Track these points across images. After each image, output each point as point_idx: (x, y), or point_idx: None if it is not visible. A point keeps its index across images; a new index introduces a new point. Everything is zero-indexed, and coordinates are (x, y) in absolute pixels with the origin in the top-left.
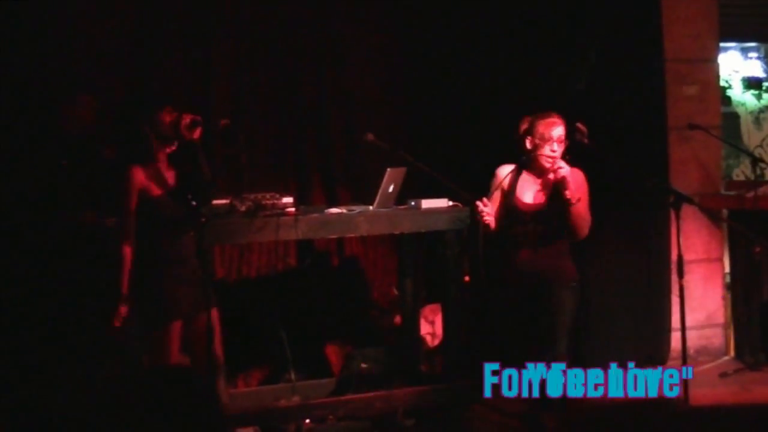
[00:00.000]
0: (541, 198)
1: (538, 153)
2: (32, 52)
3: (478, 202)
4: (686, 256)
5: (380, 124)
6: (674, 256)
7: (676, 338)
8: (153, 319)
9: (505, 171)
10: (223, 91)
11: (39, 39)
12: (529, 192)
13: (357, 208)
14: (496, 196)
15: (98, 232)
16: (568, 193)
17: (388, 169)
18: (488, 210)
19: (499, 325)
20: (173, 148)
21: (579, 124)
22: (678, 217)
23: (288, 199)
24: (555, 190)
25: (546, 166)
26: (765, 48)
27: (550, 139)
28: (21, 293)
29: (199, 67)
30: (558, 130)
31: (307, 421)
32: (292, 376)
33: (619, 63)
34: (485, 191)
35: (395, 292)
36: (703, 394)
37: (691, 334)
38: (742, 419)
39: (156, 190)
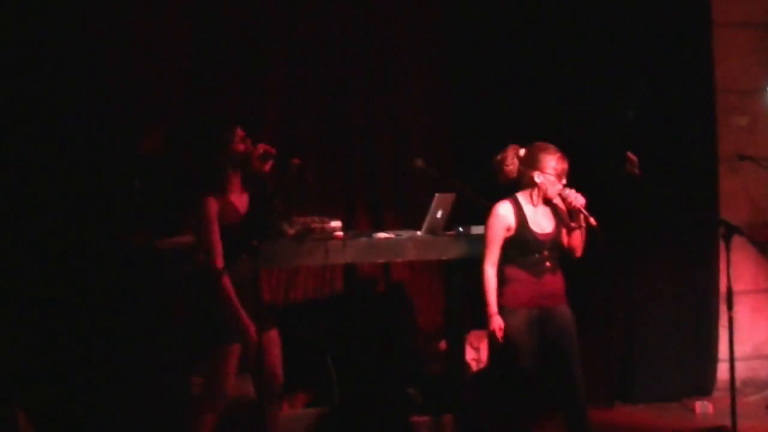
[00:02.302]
0: (551, 226)
1: (550, 186)
2: (92, 80)
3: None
4: (734, 287)
5: (429, 149)
6: (722, 287)
7: (721, 369)
8: (211, 341)
9: (506, 208)
10: (275, 116)
11: (98, 68)
12: (539, 222)
13: (405, 234)
14: (501, 234)
15: (148, 254)
16: (591, 219)
17: (437, 195)
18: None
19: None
20: (246, 171)
21: (630, 154)
22: (728, 249)
23: (336, 223)
24: (559, 216)
25: (553, 196)
26: None
27: (563, 173)
28: (67, 316)
29: (251, 94)
30: (566, 163)
31: None
32: (337, 400)
33: (669, 93)
34: None
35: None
36: (750, 427)
37: (737, 366)
38: None
39: (226, 219)
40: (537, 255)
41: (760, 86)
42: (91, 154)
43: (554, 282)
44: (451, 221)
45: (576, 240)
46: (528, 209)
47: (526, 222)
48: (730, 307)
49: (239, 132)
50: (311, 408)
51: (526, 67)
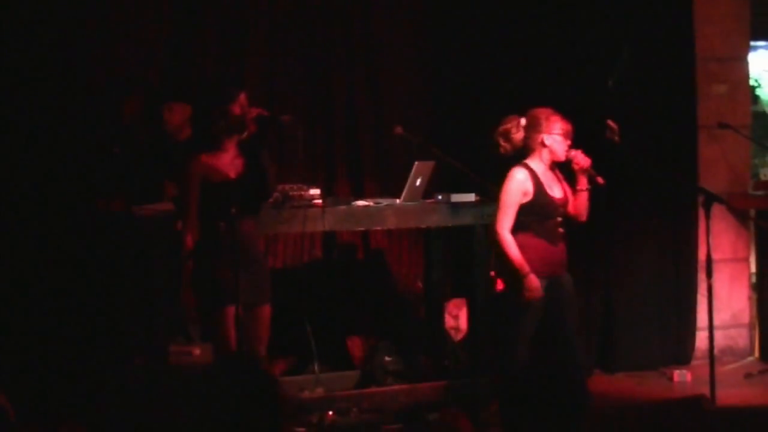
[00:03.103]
0: (560, 191)
1: (559, 147)
2: (67, 43)
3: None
4: (713, 256)
5: (411, 117)
6: (702, 256)
7: (700, 338)
8: (208, 303)
9: (523, 173)
10: (255, 81)
11: (77, 31)
12: (552, 187)
13: (384, 201)
14: (518, 199)
15: (125, 221)
16: (599, 179)
17: (416, 163)
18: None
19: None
20: (243, 136)
21: (610, 122)
22: (708, 217)
23: (315, 191)
24: (564, 180)
25: (562, 157)
26: None
27: (568, 133)
28: (45, 282)
29: (233, 57)
30: (569, 123)
31: (330, 412)
32: (316, 368)
33: (649, 61)
34: None
35: (420, 285)
36: (729, 395)
37: (716, 334)
38: None
39: (216, 178)
40: (552, 220)
41: (741, 54)
42: (72, 119)
43: (564, 249)
44: (430, 189)
45: (582, 203)
46: (541, 174)
47: (543, 186)
48: (709, 275)
49: (242, 96)
50: (290, 376)
51: (507, 35)
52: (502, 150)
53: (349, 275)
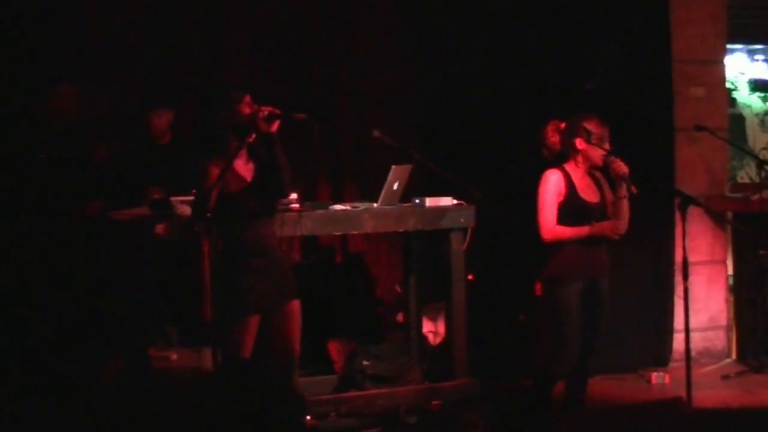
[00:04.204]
0: (597, 196)
1: (592, 152)
2: (43, 42)
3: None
4: (690, 258)
5: (390, 121)
6: (679, 258)
7: (678, 340)
8: (231, 312)
9: (555, 174)
10: (236, 84)
11: (50, 28)
12: (587, 191)
13: (362, 205)
14: (555, 199)
15: (102, 225)
16: (633, 188)
17: (393, 167)
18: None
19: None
20: (251, 139)
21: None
22: (684, 220)
23: (292, 195)
24: (603, 188)
25: (598, 162)
26: None
27: (603, 137)
28: (23, 288)
29: (211, 61)
30: (605, 128)
31: (309, 417)
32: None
33: (627, 63)
34: (500, 189)
35: (399, 289)
36: (706, 397)
37: (693, 336)
38: (746, 422)
39: (232, 186)
40: (587, 223)
41: (718, 57)
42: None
43: (603, 252)
44: (410, 192)
45: (622, 211)
46: (576, 178)
47: (576, 189)
48: (685, 277)
49: (247, 97)
50: None
51: (488, 39)
52: (543, 155)
53: (327, 279)
